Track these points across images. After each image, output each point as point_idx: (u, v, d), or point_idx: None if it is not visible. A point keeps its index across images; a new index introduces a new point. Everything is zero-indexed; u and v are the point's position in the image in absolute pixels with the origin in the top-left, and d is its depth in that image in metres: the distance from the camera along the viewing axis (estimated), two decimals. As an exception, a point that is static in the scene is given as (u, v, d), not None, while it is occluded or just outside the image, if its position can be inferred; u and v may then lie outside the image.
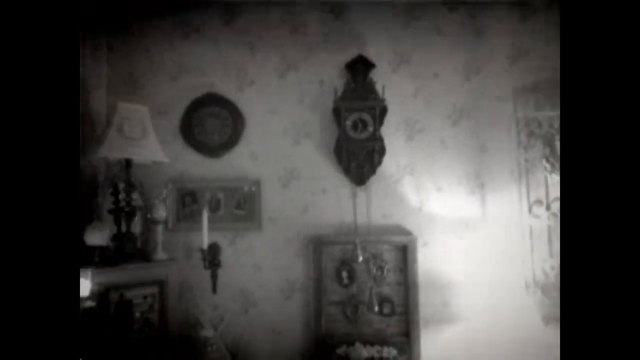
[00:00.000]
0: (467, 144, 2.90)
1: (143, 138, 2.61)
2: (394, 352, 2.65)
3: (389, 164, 2.89)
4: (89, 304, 2.20)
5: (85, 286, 2.20)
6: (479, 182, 2.88)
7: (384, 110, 2.83)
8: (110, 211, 2.56)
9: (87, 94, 2.84)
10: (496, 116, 2.89)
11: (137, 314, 2.54)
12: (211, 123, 2.99)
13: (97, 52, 2.98)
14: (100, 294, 2.38)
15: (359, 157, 2.83)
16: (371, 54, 2.91)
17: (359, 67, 2.85)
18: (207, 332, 2.58)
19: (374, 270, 2.76)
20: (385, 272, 2.77)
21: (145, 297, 2.58)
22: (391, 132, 2.89)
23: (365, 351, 2.63)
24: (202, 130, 2.99)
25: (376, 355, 2.63)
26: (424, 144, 2.92)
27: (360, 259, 2.67)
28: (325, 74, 2.95)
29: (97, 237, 2.48)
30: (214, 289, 2.59)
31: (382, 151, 2.84)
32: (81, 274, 2.19)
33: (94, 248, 2.48)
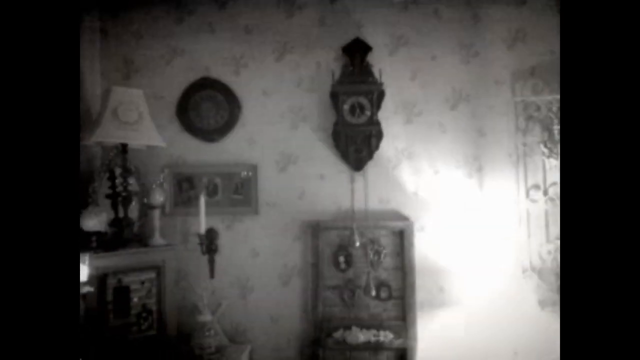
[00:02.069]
0: (466, 128, 2.88)
1: (138, 122, 2.58)
2: (390, 336, 2.67)
3: (387, 148, 2.87)
4: (88, 289, 2.21)
5: (84, 271, 2.20)
6: (477, 166, 2.87)
7: (381, 94, 2.81)
8: (108, 196, 2.55)
9: (82, 78, 2.80)
10: (495, 100, 2.87)
11: (135, 299, 2.55)
12: (207, 107, 2.96)
13: (90, 36, 2.93)
14: (99, 279, 2.39)
15: (357, 142, 2.81)
16: (368, 37, 2.87)
17: (356, 50, 2.82)
18: (205, 317, 2.59)
19: (371, 255, 2.77)
20: (382, 256, 2.78)
21: (142, 282, 2.59)
22: (389, 116, 2.87)
23: (361, 335, 2.64)
24: (198, 114, 2.96)
25: (372, 339, 2.65)
26: (422, 127, 2.90)
27: (358, 244, 2.67)
28: (322, 57, 2.91)
29: (94, 222, 2.48)
30: (212, 274, 2.61)
31: (379, 135, 2.82)
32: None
33: (91, 233, 2.48)
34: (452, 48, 2.89)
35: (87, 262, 2.22)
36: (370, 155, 2.83)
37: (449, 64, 2.89)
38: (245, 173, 2.93)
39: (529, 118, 2.83)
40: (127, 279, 2.53)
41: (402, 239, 2.76)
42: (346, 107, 2.79)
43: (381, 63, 2.83)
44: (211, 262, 2.62)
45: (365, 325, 2.70)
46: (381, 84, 2.78)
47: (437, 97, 2.90)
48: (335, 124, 2.83)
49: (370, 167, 2.87)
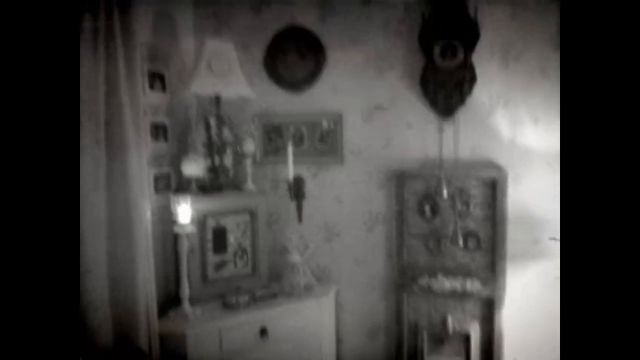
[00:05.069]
0: (572, 70, 2.60)
1: (230, 74, 2.69)
2: (477, 285, 2.64)
3: (480, 94, 2.70)
4: (190, 228, 2.43)
5: (187, 212, 2.42)
6: (583, 113, 2.60)
7: (476, 35, 2.61)
8: (205, 145, 2.73)
9: (176, 35, 2.94)
10: (609, 36, 2.53)
11: (232, 239, 2.78)
12: (293, 57, 2.98)
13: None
14: (200, 220, 2.62)
15: (447, 88, 2.67)
16: (463, -29, 2.64)
17: (450, -12, 2.62)
18: (294, 258, 2.76)
19: (459, 206, 2.70)
20: (471, 207, 2.70)
21: (238, 225, 2.80)
22: (484, 59, 2.67)
23: (447, 283, 2.65)
24: (285, 65, 2.99)
25: (459, 287, 2.65)
26: (521, 71, 2.67)
27: (445, 193, 2.61)
28: (411, -2, 2.76)
29: (193, 167, 2.68)
30: (300, 218, 2.73)
31: (472, 80, 2.64)
32: (183, 200, 2.41)
33: (191, 179, 2.70)
34: (558, -19, 2.57)
35: (189, 204, 2.44)
36: (461, 101, 2.68)
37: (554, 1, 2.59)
38: (330, 122, 2.95)
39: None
40: (224, 220, 2.75)
41: (494, 189, 2.64)
42: (437, 50, 2.64)
43: (477, 1, 2.61)
44: (299, 208, 2.74)
45: (451, 274, 2.69)
46: (476, 24, 2.58)
47: (538, 38, 2.62)
48: (424, 69, 2.71)
49: (462, 114, 2.73)
